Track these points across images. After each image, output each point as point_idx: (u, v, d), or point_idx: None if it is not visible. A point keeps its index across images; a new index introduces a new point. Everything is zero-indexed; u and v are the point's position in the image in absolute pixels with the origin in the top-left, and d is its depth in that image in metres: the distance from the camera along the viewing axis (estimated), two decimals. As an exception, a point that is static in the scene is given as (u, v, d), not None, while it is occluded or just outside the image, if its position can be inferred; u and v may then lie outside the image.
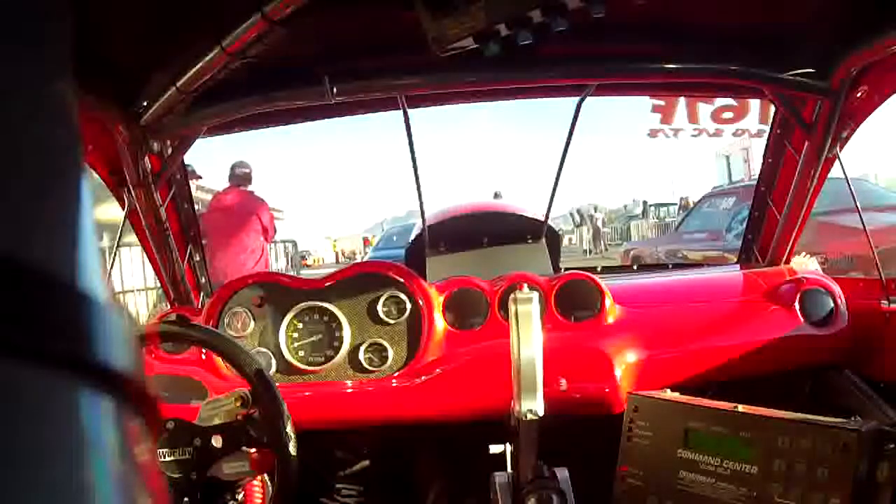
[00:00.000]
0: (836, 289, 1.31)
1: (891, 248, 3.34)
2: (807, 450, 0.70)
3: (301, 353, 1.27)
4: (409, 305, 1.28)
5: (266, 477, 0.97)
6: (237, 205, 3.89)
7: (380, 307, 1.27)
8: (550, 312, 1.28)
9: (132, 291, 6.37)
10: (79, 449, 0.12)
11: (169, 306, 1.54)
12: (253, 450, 0.89)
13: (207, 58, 1.00)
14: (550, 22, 0.86)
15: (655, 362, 1.21)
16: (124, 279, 6.13)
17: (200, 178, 4.16)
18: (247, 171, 3.95)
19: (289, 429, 0.88)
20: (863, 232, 1.39)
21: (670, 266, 2.69)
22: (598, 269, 2.08)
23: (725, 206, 6.26)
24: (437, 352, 1.25)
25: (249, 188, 4.01)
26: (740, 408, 0.80)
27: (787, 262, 1.57)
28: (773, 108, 1.46)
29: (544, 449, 0.89)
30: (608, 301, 1.29)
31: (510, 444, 0.97)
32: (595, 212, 19.25)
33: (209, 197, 4.49)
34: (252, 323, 1.29)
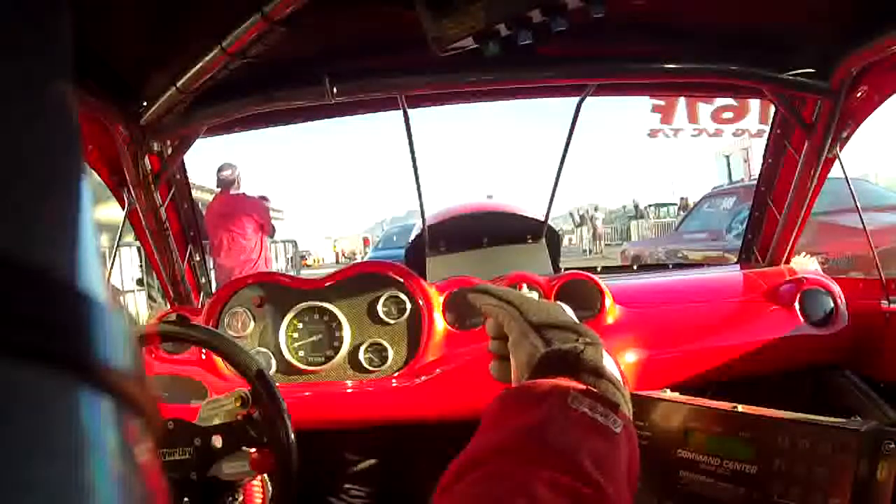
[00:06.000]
0: (836, 289, 1.31)
1: (891, 248, 3.34)
2: (807, 450, 0.69)
3: (301, 353, 1.27)
4: (409, 305, 1.28)
5: (266, 477, 0.97)
6: (228, 209, 3.92)
7: (380, 307, 1.27)
8: (550, 312, 1.28)
9: (132, 292, 6.37)
10: (79, 449, 0.12)
11: (169, 306, 1.54)
12: (253, 450, 0.89)
13: (207, 58, 1.00)
14: (550, 22, 0.86)
15: (655, 362, 1.21)
16: (124, 279, 6.13)
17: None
18: (228, 173, 3.97)
19: (289, 429, 0.88)
20: (863, 232, 1.39)
21: (670, 266, 2.69)
22: (598, 269, 2.09)
23: (726, 206, 6.27)
24: (437, 352, 1.25)
25: (240, 190, 4.04)
26: (740, 408, 0.80)
27: (787, 262, 1.57)
28: (773, 108, 1.46)
29: (544, 449, 0.89)
30: (608, 301, 1.29)
31: (510, 444, 0.97)
32: (595, 211, 19.27)
33: (209, 197, 4.51)
34: (252, 323, 1.29)
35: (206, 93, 1.11)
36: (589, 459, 0.38)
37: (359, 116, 1.52)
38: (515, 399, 0.45)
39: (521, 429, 0.41)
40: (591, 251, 17.25)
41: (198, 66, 1.02)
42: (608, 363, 0.49)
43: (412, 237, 2.31)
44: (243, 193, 4.10)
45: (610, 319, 1.28)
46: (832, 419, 0.71)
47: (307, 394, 1.23)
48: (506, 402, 0.45)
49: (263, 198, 5.03)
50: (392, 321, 1.28)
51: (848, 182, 1.34)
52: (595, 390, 0.45)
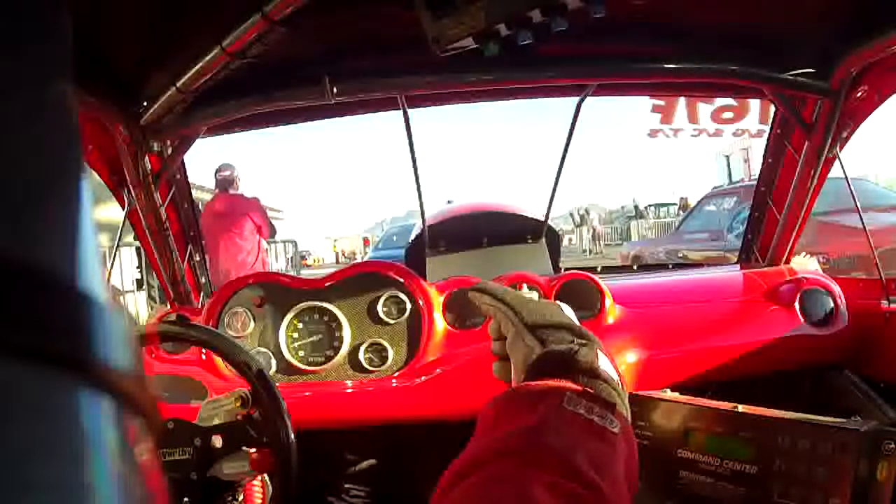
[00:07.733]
0: (836, 289, 1.31)
1: (891, 248, 3.35)
2: (807, 450, 0.69)
3: (301, 353, 1.27)
4: (409, 305, 1.28)
5: (266, 477, 0.97)
6: (226, 210, 3.92)
7: (380, 307, 1.27)
8: (550, 312, 1.28)
9: (132, 292, 6.37)
10: (79, 449, 0.12)
11: (169, 306, 1.54)
12: (253, 450, 0.89)
13: (207, 58, 1.00)
14: (550, 22, 0.86)
15: (655, 362, 1.21)
16: (124, 279, 6.13)
17: None
18: (227, 173, 3.97)
19: (289, 429, 0.88)
20: (863, 232, 1.39)
21: (670, 266, 2.69)
22: (598, 269, 2.09)
23: (726, 206, 6.28)
24: (437, 352, 1.25)
25: (239, 190, 4.04)
26: (740, 408, 0.80)
27: (787, 262, 1.57)
28: (773, 108, 1.46)
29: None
30: (608, 301, 1.28)
31: (510, 444, 0.96)
32: (588, 214, 19.29)
33: (209, 197, 4.51)
34: (252, 323, 1.29)
35: (206, 93, 1.11)
36: (586, 461, 0.38)
37: (358, 116, 1.52)
38: (511, 401, 0.45)
39: (519, 431, 0.41)
40: (591, 251, 17.26)
41: (198, 66, 1.02)
42: (604, 363, 0.49)
43: (412, 237, 2.31)
44: (241, 194, 4.10)
45: (610, 319, 1.28)
46: (832, 419, 0.71)
47: (307, 394, 1.23)
48: (502, 404, 0.45)
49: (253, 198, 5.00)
50: (392, 321, 1.28)
51: (848, 182, 1.34)
52: (591, 391, 0.45)
